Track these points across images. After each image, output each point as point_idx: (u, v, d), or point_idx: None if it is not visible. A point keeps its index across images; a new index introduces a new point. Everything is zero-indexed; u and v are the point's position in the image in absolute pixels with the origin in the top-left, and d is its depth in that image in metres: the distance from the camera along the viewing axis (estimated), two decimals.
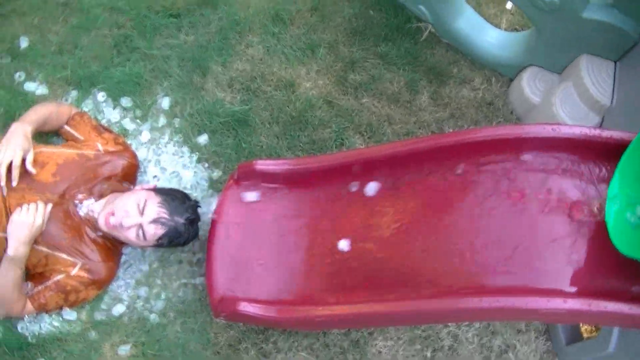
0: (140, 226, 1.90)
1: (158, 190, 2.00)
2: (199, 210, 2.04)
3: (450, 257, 1.81)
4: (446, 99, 2.44)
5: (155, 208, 1.91)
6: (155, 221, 1.90)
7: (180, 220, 1.94)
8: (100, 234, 2.00)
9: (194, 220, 1.99)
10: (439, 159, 1.90)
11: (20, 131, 1.94)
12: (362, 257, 1.91)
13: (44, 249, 1.94)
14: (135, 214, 1.90)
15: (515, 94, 2.40)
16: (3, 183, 1.89)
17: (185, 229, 1.96)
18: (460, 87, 2.45)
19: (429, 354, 2.11)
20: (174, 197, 1.97)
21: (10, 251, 1.86)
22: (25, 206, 1.89)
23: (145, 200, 1.92)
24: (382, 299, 1.78)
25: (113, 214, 1.91)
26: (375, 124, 2.37)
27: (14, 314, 1.97)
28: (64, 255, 1.96)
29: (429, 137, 2.20)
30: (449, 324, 2.14)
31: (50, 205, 1.93)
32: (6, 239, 1.91)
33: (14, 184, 1.91)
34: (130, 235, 1.91)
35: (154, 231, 1.90)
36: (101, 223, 1.95)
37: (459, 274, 1.78)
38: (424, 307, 1.69)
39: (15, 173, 1.90)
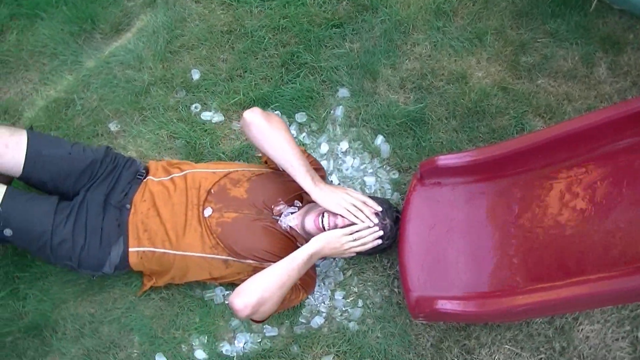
0: None
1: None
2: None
3: None
4: (625, 67, 2.33)
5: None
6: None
7: (390, 222, 1.98)
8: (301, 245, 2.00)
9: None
10: (628, 127, 1.82)
11: None
12: (556, 240, 1.86)
13: (252, 262, 1.98)
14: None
15: None
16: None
17: (391, 231, 1.99)
18: (639, 53, 2.33)
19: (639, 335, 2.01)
20: (381, 200, 2.02)
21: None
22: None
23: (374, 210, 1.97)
24: (583, 281, 1.71)
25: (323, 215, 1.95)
26: (554, 104, 2.30)
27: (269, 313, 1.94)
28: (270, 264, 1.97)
29: (609, 107, 2.10)
30: None
31: None
32: (219, 260, 1.97)
33: None
34: None
35: None
36: (309, 227, 1.96)
37: None
38: (627, 284, 1.61)
39: None
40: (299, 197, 2.08)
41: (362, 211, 1.94)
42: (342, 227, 1.93)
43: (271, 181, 2.06)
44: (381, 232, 1.96)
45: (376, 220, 1.95)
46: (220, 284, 2.14)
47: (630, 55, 2.34)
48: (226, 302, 2.14)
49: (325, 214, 1.94)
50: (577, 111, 2.28)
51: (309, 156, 2.13)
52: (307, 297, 2.14)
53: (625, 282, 1.63)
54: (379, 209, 1.97)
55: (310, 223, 1.96)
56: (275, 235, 2.00)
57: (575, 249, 1.81)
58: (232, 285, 2.11)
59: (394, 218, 2.01)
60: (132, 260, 1.99)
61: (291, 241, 2.02)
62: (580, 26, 2.37)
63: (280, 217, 2.02)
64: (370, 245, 1.96)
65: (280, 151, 1.91)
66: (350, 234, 1.93)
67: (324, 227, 1.94)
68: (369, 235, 1.95)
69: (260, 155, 2.24)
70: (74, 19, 2.46)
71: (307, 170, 1.91)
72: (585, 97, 2.30)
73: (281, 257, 1.91)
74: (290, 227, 2.01)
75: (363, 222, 1.93)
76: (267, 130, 1.89)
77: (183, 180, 2.05)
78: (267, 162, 2.15)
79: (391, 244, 2.04)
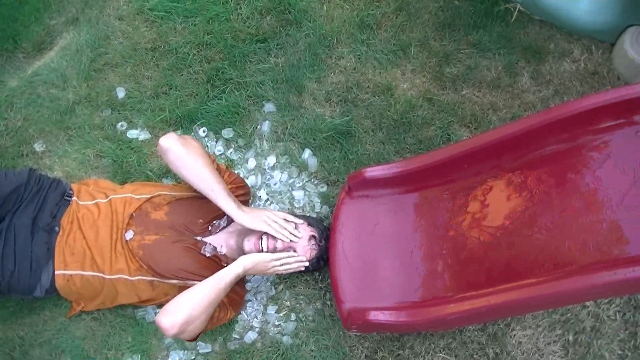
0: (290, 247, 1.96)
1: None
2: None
3: (578, 234, 1.75)
4: (547, 76, 2.37)
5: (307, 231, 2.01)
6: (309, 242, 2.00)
7: (326, 244, 2.03)
8: (226, 264, 2.00)
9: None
10: (551, 134, 1.83)
11: None
12: (485, 248, 1.87)
13: (176, 282, 1.97)
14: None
15: (619, 58, 2.31)
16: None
17: (327, 252, 2.03)
18: (560, 62, 2.38)
19: (570, 338, 2.05)
20: (316, 221, 2.08)
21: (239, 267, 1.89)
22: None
23: (296, 225, 1.98)
24: (512, 287, 1.72)
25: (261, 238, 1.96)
26: (479, 114, 2.32)
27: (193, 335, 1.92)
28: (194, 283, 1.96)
29: (533, 115, 2.12)
30: (588, 303, 2.07)
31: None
32: (144, 282, 1.95)
33: None
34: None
35: (310, 252, 1.99)
36: (248, 248, 1.96)
37: (590, 249, 1.71)
38: (556, 289, 1.62)
39: None
40: (219, 217, 2.06)
41: (285, 228, 1.95)
42: (275, 252, 1.95)
43: (190, 204, 2.05)
44: (306, 263, 1.99)
45: (300, 235, 1.96)
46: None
47: (551, 64, 2.38)
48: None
49: (264, 237, 1.94)
50: (501, 120, 2.31)
51: (231, 174, 2.12)
52: (237, 315, 2.12)
53: (554, 286, 1.64)
54: (300, 222, 1.99)
55: (249, 245, 1.95)
56: (197, 256, 1.99)
57: (504, 256, 1.83)
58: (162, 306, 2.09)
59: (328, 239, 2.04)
60: (59, 283, 1.94)
61: (214, 261, 2.01)
62: (503, 37, 2.40)
63: (206, 239, 2.02)
64: (292, 271, 1.99)
65: (198, 177, 1.89)
66: (278, 259, 1.94)
67: (262, 249, 1.94)
68: (295, 263, 1.97)
69: None
70: None
71: (228, 194, 1.91)
72: (510, 106, 2.33)
73: (204, 276, 1.90)
74: (214, 249, 2.01)
75: (288, 238, 1.94)
76: (185, 157, 1.88)
77: (107, 205, 2.02)
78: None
79: (325, 264, 2.06)
